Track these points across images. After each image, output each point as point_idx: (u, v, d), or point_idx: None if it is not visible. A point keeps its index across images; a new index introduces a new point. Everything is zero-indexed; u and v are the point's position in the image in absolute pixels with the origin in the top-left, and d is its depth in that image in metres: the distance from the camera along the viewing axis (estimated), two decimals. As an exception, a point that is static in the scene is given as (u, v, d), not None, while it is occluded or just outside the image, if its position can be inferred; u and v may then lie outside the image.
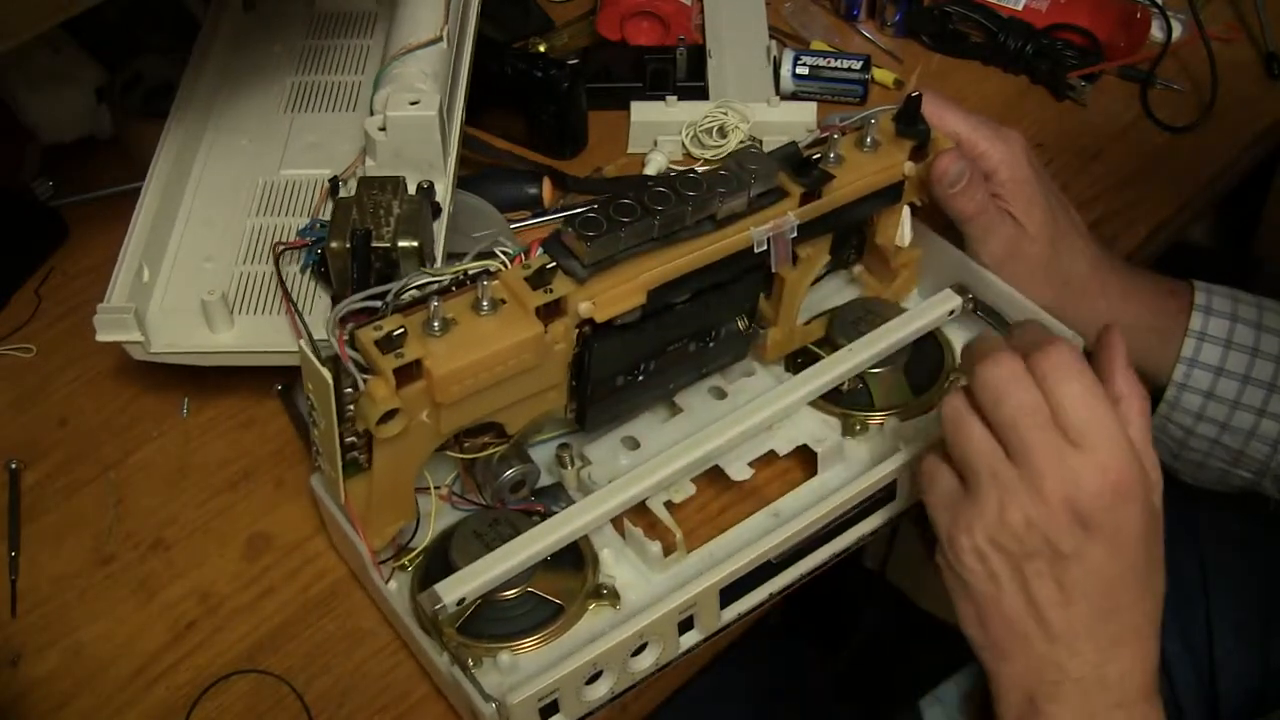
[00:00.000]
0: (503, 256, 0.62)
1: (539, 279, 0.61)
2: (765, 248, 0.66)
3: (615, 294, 0.62)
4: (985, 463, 0.57)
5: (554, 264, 0.61)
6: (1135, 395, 0.59)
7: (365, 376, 0.57)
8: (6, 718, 0.66)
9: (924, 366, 0.75)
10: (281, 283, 0.75)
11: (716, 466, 0.70)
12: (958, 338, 0.77)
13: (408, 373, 0.57)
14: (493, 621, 0.64)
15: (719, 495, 0.73)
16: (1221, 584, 0.94)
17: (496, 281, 0.60)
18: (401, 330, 0.57)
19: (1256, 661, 0.92)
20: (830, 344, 0.75)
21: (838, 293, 0.80)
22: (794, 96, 1.00)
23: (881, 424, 0.72)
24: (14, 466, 0.77)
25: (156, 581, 0.72)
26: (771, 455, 0.72)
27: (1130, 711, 0.57)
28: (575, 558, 0.66)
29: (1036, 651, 0.57)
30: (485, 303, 0.59)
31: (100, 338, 0.73)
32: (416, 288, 0.60)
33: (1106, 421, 0.55)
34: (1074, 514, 0.55)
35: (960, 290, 0.74)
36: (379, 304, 0.59)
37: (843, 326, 0.75)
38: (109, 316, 0.73)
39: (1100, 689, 0.57)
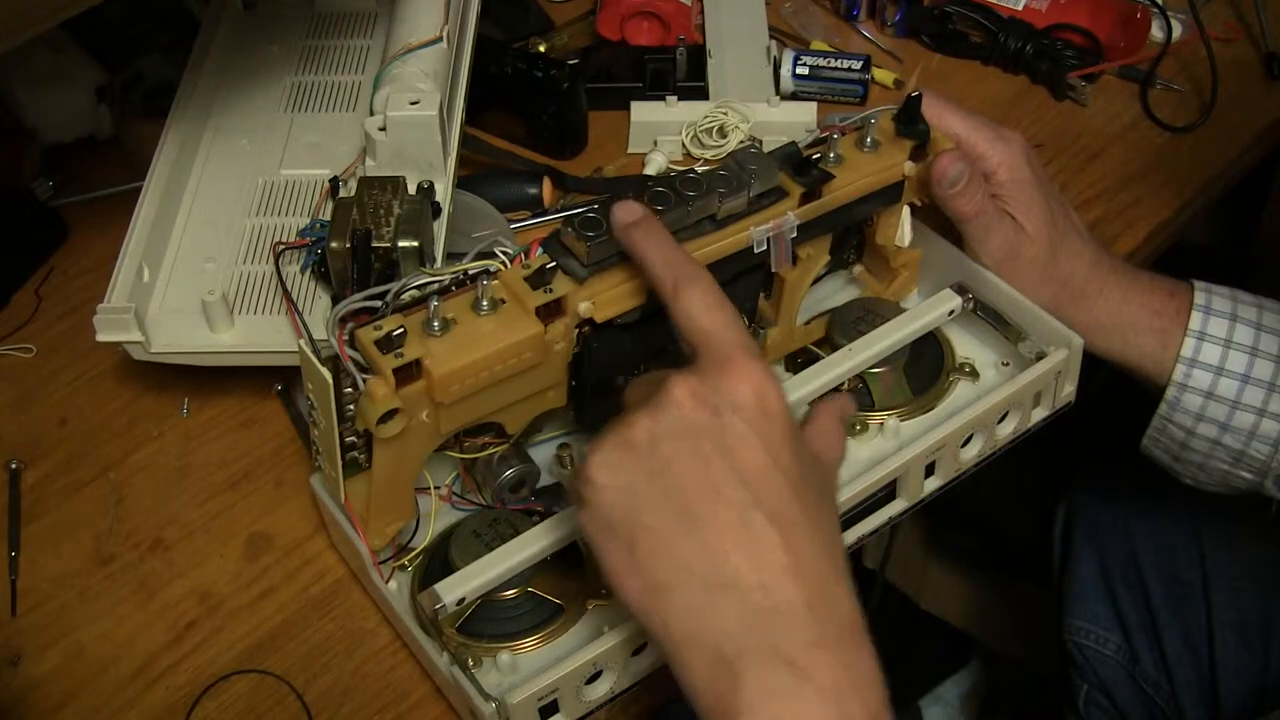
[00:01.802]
0: (502, 256, 0.62)
1: (539, 279, 0.61)
2: (765, 248, 0.66)
3: (615, 294, 0.62)
4: (627, 403, 0.55)
5: (554, 264, 0.61)
6: None
7: (365, 376, 0.57)
8: (7, 718, 0.66)
9: (924, 366, 0.75)
10: (282, 283, 0.75)
11: (716, 466, 0.70)
12: (958, 338, 0.77)
13: (407, 373, 0.57)
14: (493, 621, 0.64)
15: (719, 495, 0.72)
16: (1222, 584, 0.94)
17: (496, 281, 0.60)
18: (401, 330, 0.57)
19: (1257, 661, 0.92)
20: (830, 344, 0.75)
21: (838, 293, 0.80)
22: (794, 96, 1.00)
23: (881, 424, 0.72)
24: (14, 466, 0.77)
25: (156, 581, 0.72)
26: (771, 455, 0.72)
27: (834, 653, 0.49)
28: (575, 558, 0.66)
29: (700, 574, 0.49)
30: (485, 302, 0.59)
31: (100, 338, 0.73)
32: (416, 288, 0.60)
33: (731, 327, 0.53)
34: (702, 400, 0.51)
35: (960, 290, 0.74)
36: (379, 304, 0.59)
37: (842, 326, 0.75)
38: (109, 316, 0.73)
39: (788, 623, 0.49)
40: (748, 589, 0.49)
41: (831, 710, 0.48)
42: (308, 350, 0.58)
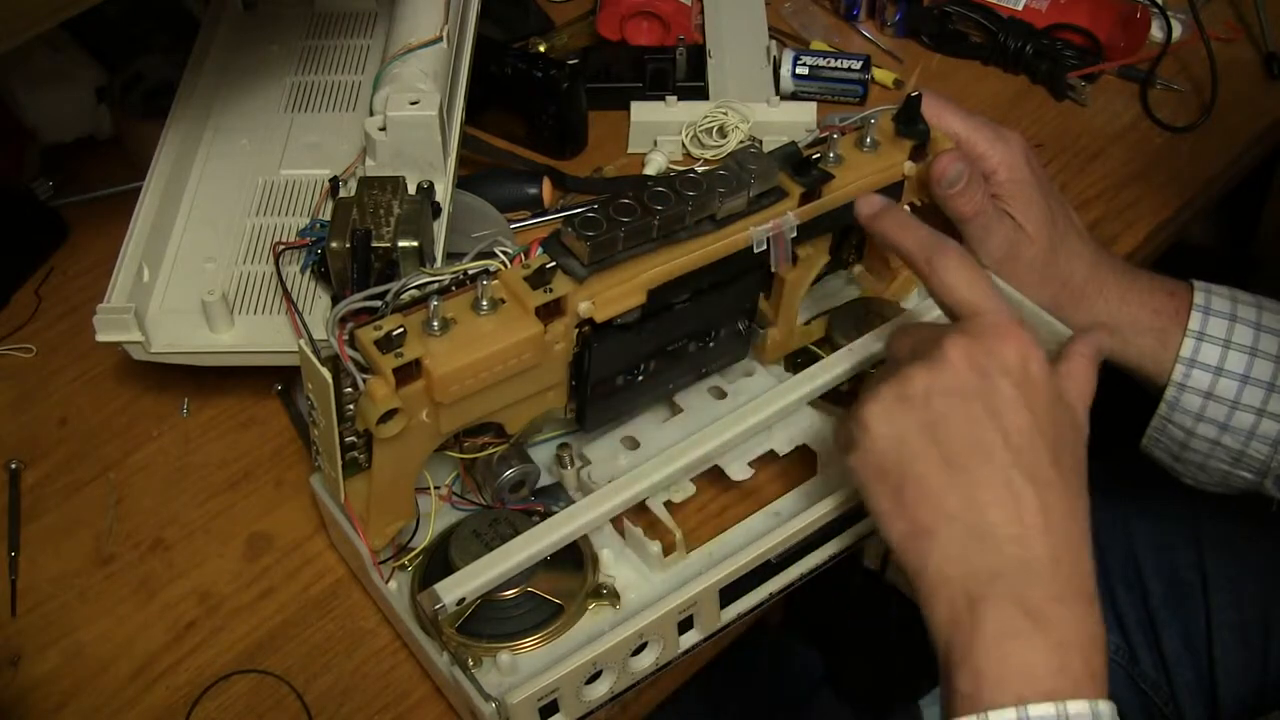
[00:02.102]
0: (502, 256, 0.62)
1: (539, 279, 0.61)
2: (765, 248, 0.66)
3: (615, 294, 0.62)
4: (895, 356, 0.60)
5: (554, 264, 0.61)
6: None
7: (365, 376, 0.57)
8: (7, 718, 0.66)
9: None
10: (282, 283, 0.75)
11: (716, 466, 0.70)
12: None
13: (407, 372, 0.57)
14: (493, 621, 0.64)
15: (719, 495, 0.73)
16: (1222, 585, 0.94)
17: (496, 281, 0.60)
18: (401, 330, 0.57)
19: (1256, 662, 0.92)
20: (830, 344, 0.75)
21: (838, 293, 0.80)
22: (794, 96, 1.00)
23: (881, 424, 0.72)
24: (14, 466, 0.77)
25: (156, 581, 0.72)
26: (771, 455, 0.72)
27: (1069, 609, 0.53)
28: (575, 558, 0.66)
29: (962, 522, 0.54)
30: (485, 302, 0.59)
31: (100, 338, 0.73)
32: (416, 287, 0.60)
33: (992, 295, 0.58)
34: (973, 362, 0.55)
35: (960, 290, 0.74)
36: (379, 304, 0.59)
37: (842, 326, 0.75)
38: (109, 316, 0.73)
39: (1035, 575, 0.53)
40: (1003, 540, 0.54)
41: (1055, 660, 0.52)
42: (308, 350, 0.58)
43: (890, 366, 0.60)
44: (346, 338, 0.58)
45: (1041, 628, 0.52)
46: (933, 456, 0.55)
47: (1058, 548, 0.54)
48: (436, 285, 0.60)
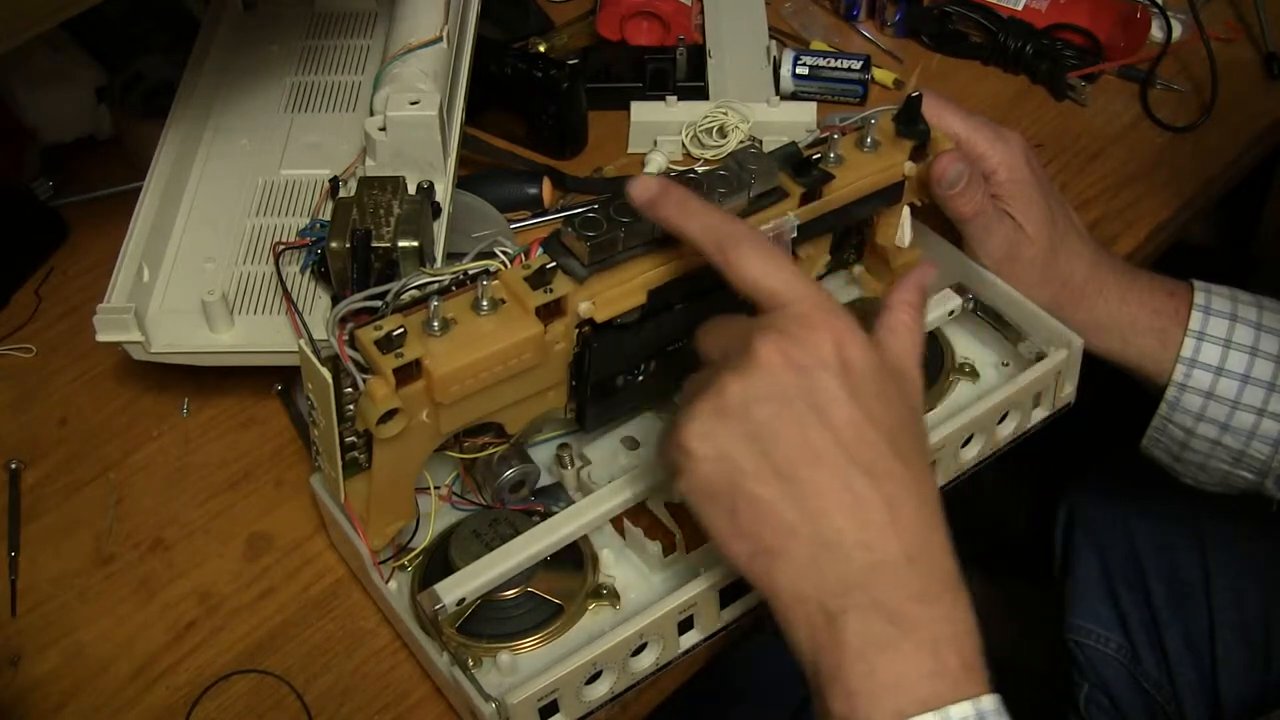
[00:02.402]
0: (502, 256, 0.62)
1: (539, 279, 0.61)
2: (765, 248, 0.66)
3: (615, 294, 0.62)
4: (707, 357, 0.56)
5: (554, 264, 0.61)
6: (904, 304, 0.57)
7: (365, 376, 0.57)
8: (7, 718, 0.66)
9: (924, 366, 0.75)
10: (282, 282, 0.75)
11: (716, 466, 0.70)
12: (958, 338, 0.77)
13: (407, 372, 0.57)
14: (492, 621, 0.64)
15: (719, 495, 0.72)
16: (1223, 584, 0.94)
17: (496, 281, 0.60)
18: (401, 330, 0.57)
19: (1258, 661, 0.92)
20: (830, 344, 0.75)
21: (838, 293, 0.80)
22: (794, 96, 1.00)
23: (881, 424, 0.72)
24: (14, 466, 0.77)
25: (156, 581, 0.72)
26: (771, 455, 0.72)
27: (933, 606, 0.50)
28: (575, 558, 0.66)
29: (804, 536, 0.50)
30: (485, 302, 0.59)
31: (100, 338, 0.73)
32: (416, 288, 0.60)
33: (796, 279, 0.53)
34: (787, 360, 0.51)
35: (960, 290, 0.74)
36: (379, 304, 0.59)
37: (843, 326, 0.75)
38: (109, 317, 0.73)
39: (891, 578, 0.50)
40: (851, 547, 0.50)
41: (928, 662, 0.49)
42: (308, 350, 0.58)
43: (704, 374, 0.55)
44: (346, 338, 0.58)
45: (907, 632, 0.50)
46: (763, 470, 0.51)
47: (911, 544, 0.51)
48: (436, 285, 0.60)
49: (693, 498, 0.54)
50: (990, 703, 0.50)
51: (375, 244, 0.70)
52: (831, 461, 0.51)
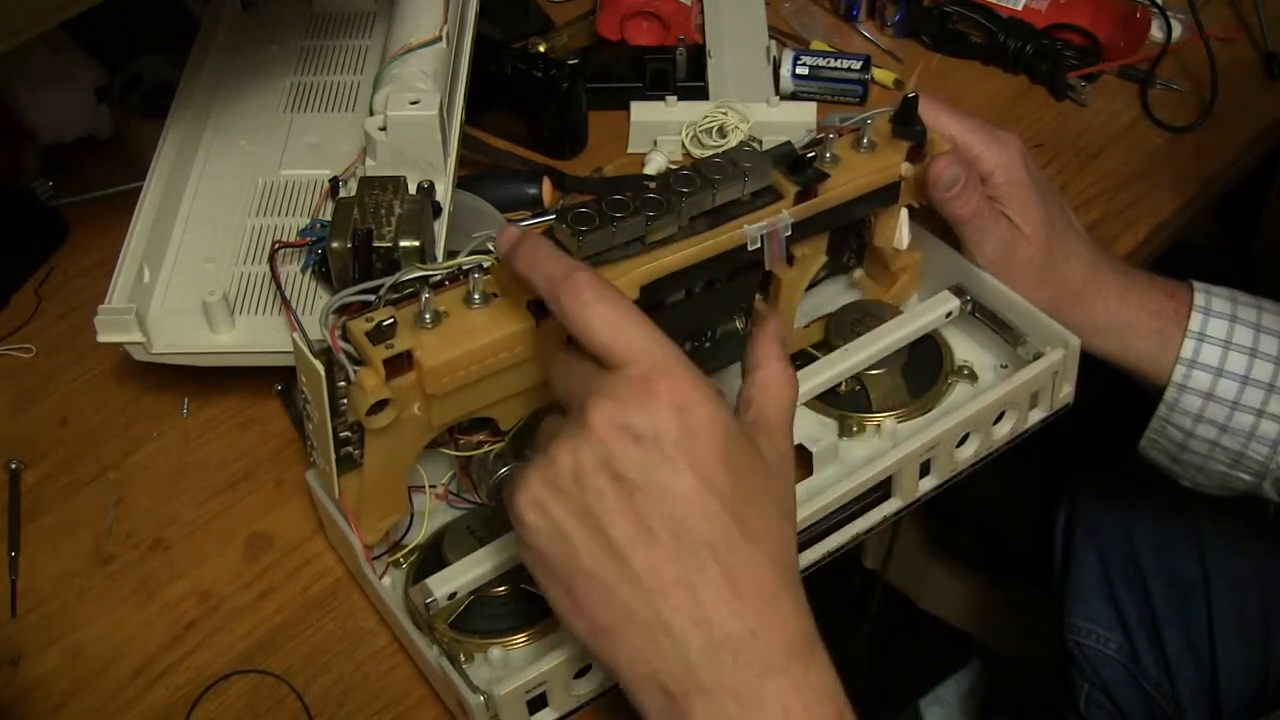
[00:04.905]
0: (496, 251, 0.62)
1: (532, 273, 0.61)
2: (759, 246, 0.66)
3: (608, 290, 0.62)
4: (543, 430, 0.53)
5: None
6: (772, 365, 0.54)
7: (357, 368, 0.58)
8: (7, 718, 0.66)
9: (922, 368, 0.75)
10: (276, 279, 0.75)
11: (714, 467, 0.70)
12: (957, 341, 0.77)
13: (398, 364, 0.58)
14: (485, 618, 0.64)
15: (717, 495, 0.72)
16: (1223, 585, 0.94)
17: (489, 275, 0.61)
18: (391, 321, 0.57)
19: (1257, 661, 0.92)
20: (829, 346, 0.75)
21: (838, 297, 0.80)
22: (794, 96, 1.00)
23: (879, 425, 0.72)
24: (14, 466, 0.77)
25: (156, 581, 0.72)
26: (769, 455, 0.72)
27: (781, 677, 0.48)
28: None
29: (640, 618, 0.48)
30: (477, 296, 0.59)
31: (101, 338, 0.73)
32: (409, 281, 0.60)
33: (636, 335, 0.49)
34: (621, 429, 0.48)
35: (958, 292, 0.74)
36: (373, 298, 0.60)
37: (840, 329, 0.75)
38: (110, 317, 0.73)
39: (733, 657, 0.48)
40: (688, 627, 0.48)
41: None
42: (300, 343, 0.58)
43: (551, 424, 0.53)
44: (339, 330, 0.58)
45: (755, 708, 0.48)
46: (596, 549, 0.49)
47: (753, 618, 0.48)
48: (429, 278, 0.61)
49: (532, 568, 0.52)
50: None
51: (377, 244, 0.70)
52: (666, 539, 0.48)
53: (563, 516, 0.50)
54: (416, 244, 0.71)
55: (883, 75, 1.02)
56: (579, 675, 0.61)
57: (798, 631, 0.50)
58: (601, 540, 0.49)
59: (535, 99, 0.94)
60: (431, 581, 0.61)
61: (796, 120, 0.95)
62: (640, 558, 0.48)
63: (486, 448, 0.67)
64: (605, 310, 0.50)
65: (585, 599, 0.50)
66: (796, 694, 0.48)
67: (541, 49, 1.02)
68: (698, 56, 1.00)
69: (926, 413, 0.73)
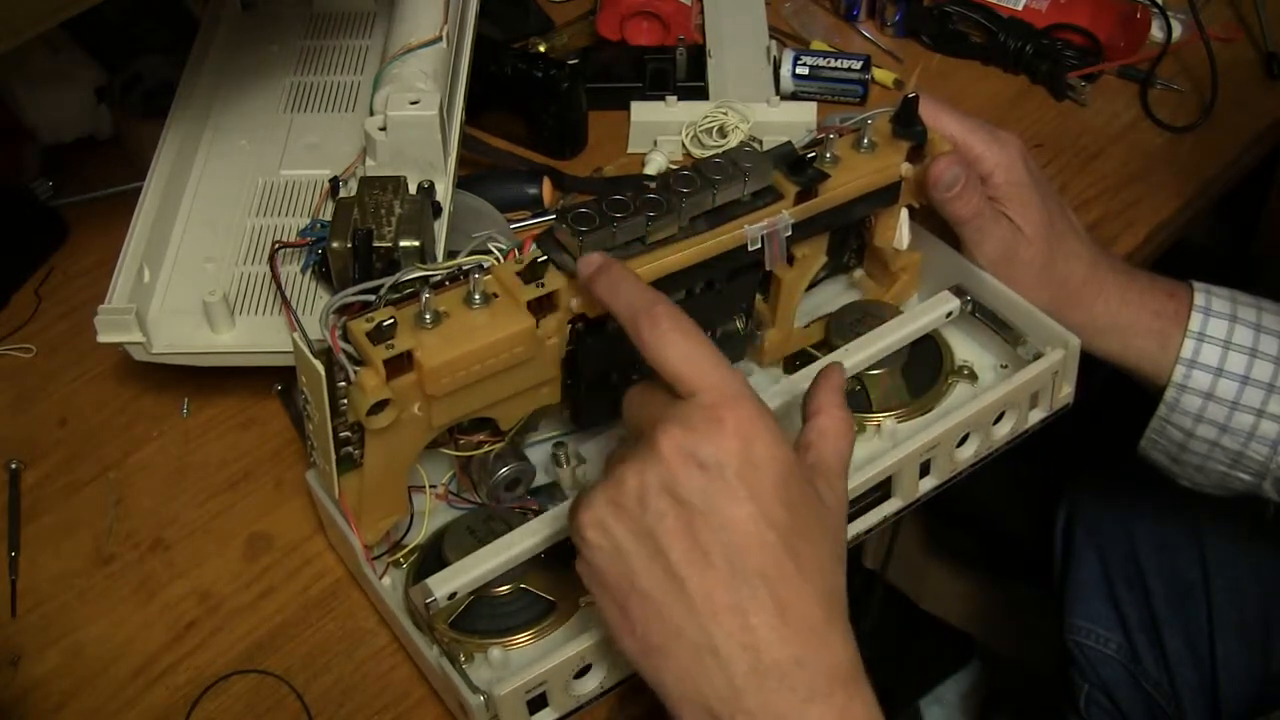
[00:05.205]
0: (496, 251, 0.62)
1: (531, 273, 0.61)
2: (759, 246, 0.66)
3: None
4: (612, 456, 0.54)
5: (546, 258, 0.61)
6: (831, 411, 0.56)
7: (357, 368, 0.58)
8: (7, 718, 0.66)
9: (923, 368, 0.75)
10: (276, 278, 0.75)
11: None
12: (957, 341, 0.77)
13: (398, 364, 0.58)
14: (486, 618, 0.64)
15: (717, 495, 0.72)
16: (1223, 585, 0.94)
17: (489, 276, 0.61)
18: (391, 321, 0.57)
19: (1257, 662, 0.92)
20: (829, 346, 0.75)
21: (839, 297, 0.80)
22: (794, 96, 1.00)
23: (879, 425, 0.72)
24: (14, 466, 0.77)
25: (156, 581, 0.72)
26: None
27: (824, 705, 0.49)
28: (568, 555, 0.66)
29: (690, 639, 0.50)
30: (477, 296, 0.59)
31: (101, 338, 0.73)
32: (410, 281, 0.60)
33: (708, 366, 0.51)
34: (688, 456, 0.50)
35: (958, 292, 0.74)
36: (373, 298, 0.60)
37: (840, 329, 0.75)
38: (110, 317, 0.73)
39: (779, 682, 0.49)
40: (736, 651, 0.49)
41: None
42: (300, 342, 0.58)
43: (621, 450, 0.54)
44: (340, 331, 0.58)
45: None
46: (654, 570, 0.50)
47: (799, 646, 0.49)
48: (429, 278, 0.61)
49: (589, 583, 0.54)
50: None
51: (377, 244, 0.70)
52: (721, 564, 0.50)
53: (624, 536, 0.51)
54: (416, 244, 0.71)
55: (883, 75, 1.02)
56: (579, 675, 0.61)
57: (845, 661, 0.51)
58: (659, 561, 0.50)
59: (535, 99, 0.94)
60: (431, 581, 0.61)
61: (797, 120, 0.95)
62: (695, 581, 0.50)
63: (486, 448, 0.67)
64: (681, 341, 0.52)
65: (638, 617, 0.51)
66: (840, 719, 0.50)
67: (541, 49, 1.02)
68: (698, 56, 1.00)
69: (926, 413, 0.73)
